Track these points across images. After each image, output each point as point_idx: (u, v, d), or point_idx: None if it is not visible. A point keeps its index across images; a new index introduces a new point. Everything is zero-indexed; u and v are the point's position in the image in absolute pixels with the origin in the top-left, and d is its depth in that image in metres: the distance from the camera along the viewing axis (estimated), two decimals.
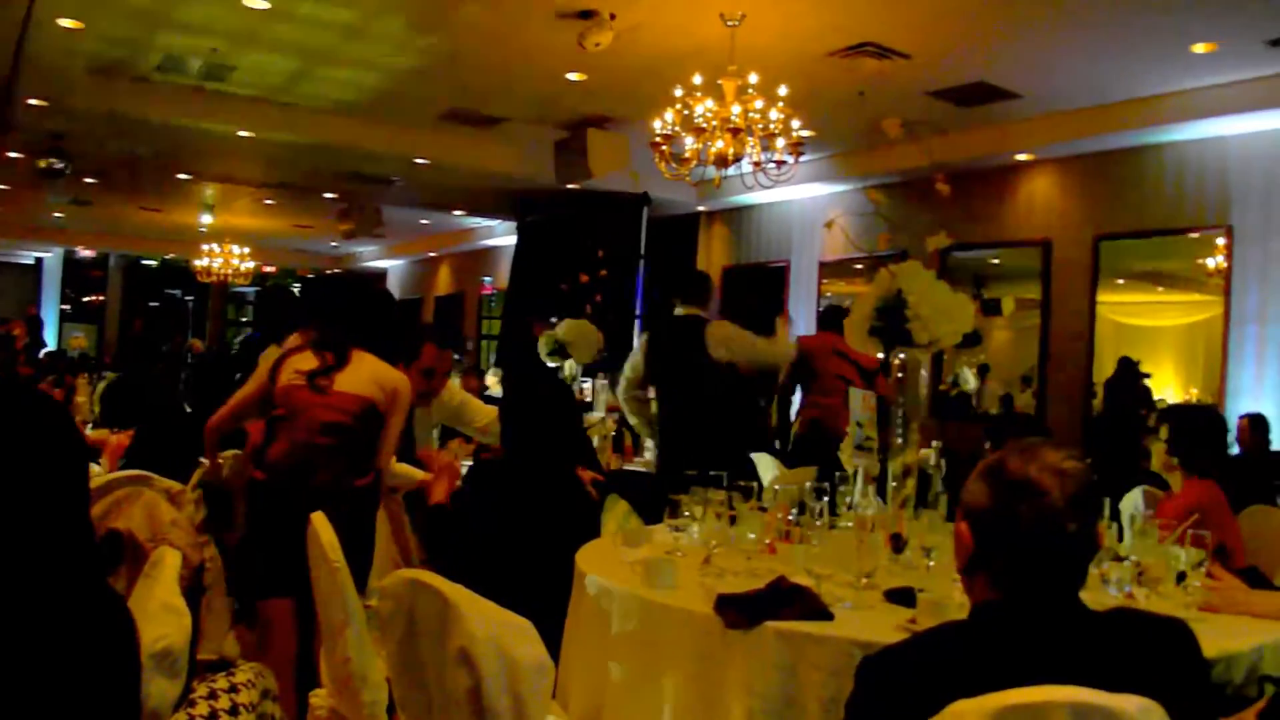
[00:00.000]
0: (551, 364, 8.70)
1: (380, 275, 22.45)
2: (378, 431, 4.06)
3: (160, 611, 2.27)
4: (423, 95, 9.44)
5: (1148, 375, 9.19)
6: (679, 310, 6.05)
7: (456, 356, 13.42)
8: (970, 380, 10.89)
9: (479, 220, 16.46)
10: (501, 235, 16.40)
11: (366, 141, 10.65)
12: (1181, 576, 2.80)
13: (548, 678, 2.34)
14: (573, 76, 8.58)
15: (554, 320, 8.89)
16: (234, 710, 2.06)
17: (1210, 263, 8.88)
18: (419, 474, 4.43)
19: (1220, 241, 8.68)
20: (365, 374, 4.05)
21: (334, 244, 20.53)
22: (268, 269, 22.44)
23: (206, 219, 16.39)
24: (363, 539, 4.04)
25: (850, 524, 3.26)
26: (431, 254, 19.92)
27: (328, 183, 13.67)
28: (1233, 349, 8.51)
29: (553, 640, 2.74)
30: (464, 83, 8.99)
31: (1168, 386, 9.36)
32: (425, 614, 2.39)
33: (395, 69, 8.64)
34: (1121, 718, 1.49)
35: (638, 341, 6.41)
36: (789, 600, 2.52)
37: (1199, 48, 7.28)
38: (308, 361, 4.04)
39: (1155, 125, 8.64)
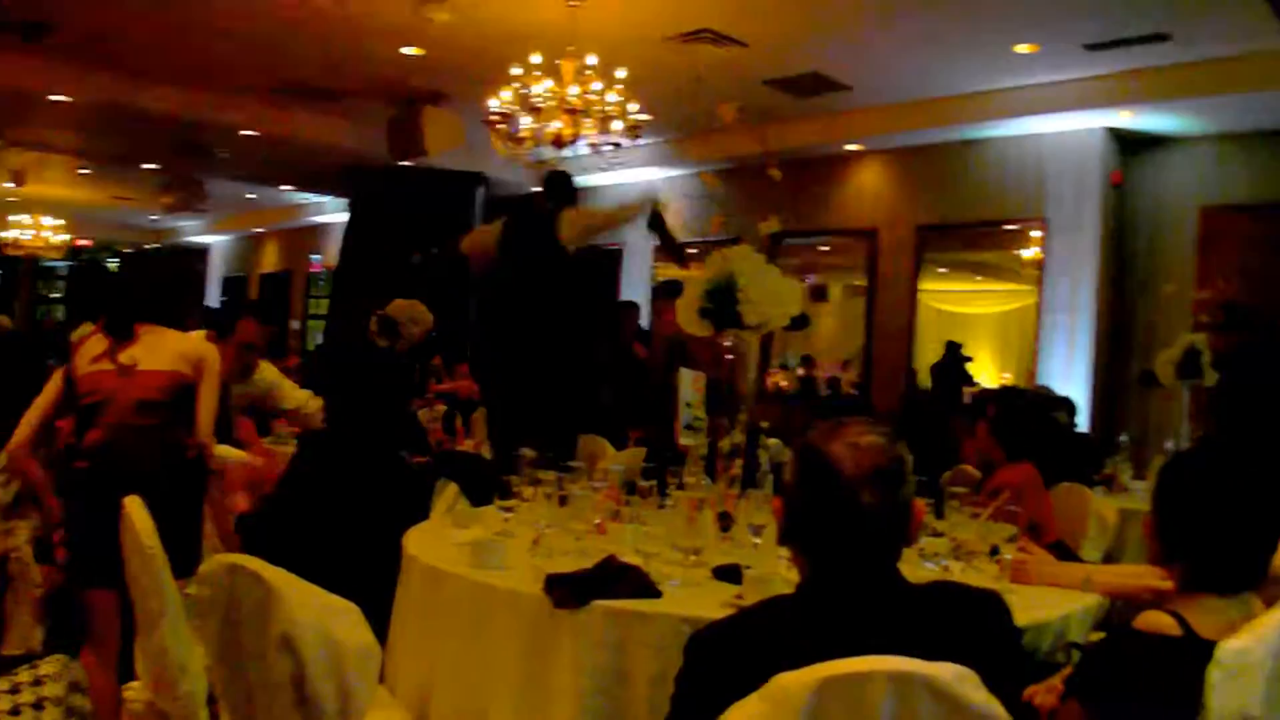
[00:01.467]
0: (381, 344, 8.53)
1: (203, 251, 21.69)
2: (193, 406, 3.94)
3: None
4: (252, 65, 9.12)
5: (970, 359, 9.56)
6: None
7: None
8: (795, 364, 11.15)
9: (308, 196, 16.05)
10: (332, 212, 16.02)
11: (192, 111, 10.25)
12: (995, 551, 2.91)
13: (374, 662, 2.30)
14: (409, 51, 8.42)
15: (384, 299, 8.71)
16: (39, 704, 1.97)
17: (1025, 254, 9.29)
18: (240, 454, 4.31)
19: (1035, 234, 9.08)
20: (167, 349, 3.94)
21: (154, 218, 19.69)
22: (82, 243, 21.42)
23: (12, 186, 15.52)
24: (190, 522, 3.92)
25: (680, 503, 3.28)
26: (258, 230, 19.31)
27: (149, 153, 13.11)
28: (1044, 336, 8.93)
29: (381, 624, 2.69)
30: (296, 53, 8.73)
31: (983, 372, 9.77)
32: (245, 599, 2.31)
33: (225, 36, 8.33)
34: (938, 685, 1.53)
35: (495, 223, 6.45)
36: (618, 579, 2.53)
37: (1021, 48, 7.59)
38: (100, 345, 3.90)
39: (978, 121, 8.98)
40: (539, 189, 6.22)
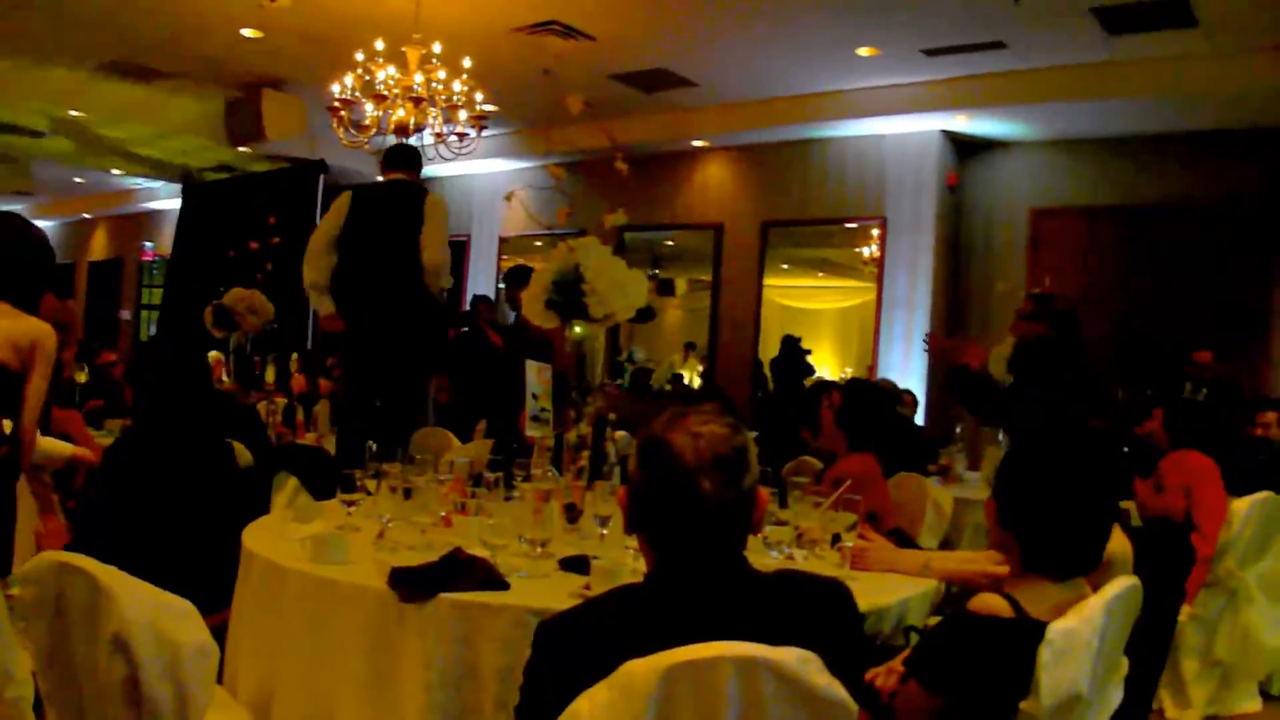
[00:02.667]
0: (217, 335, 8.28)
1: None
2: (15, 396, 3.63)
3: None
4: (80, 41, 8.72)
5: (809, 351, 9.77)
6: (388, 176, 5.70)
7: None
8: (640, 355, 11.24)
9: (140, 181, 15.45)
10: (165, 198, 15.47)
11: (12, 88, 9.75)
12: (836, 539, 2.99)
13: (211, 661, 2.23)
14: (248, 33, 8.18)
15: (221, 289, 8.46)
16: None
17: (866, 251, 9.55)
18: (67, 448, 4.11)
19: (875, 232, 9.33)
20: None
21: None
22: None
23: None
24: (4, 519, 3.67)
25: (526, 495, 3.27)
26: (86, 215, 18.51)
27: None
28: (884, 331, 9.19)
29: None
30: (127, 31, 8.37)
31: (825, 366, 10.01)
32: (74, 599, 2.21)
33: (49, 7, 7.94)
34: (782, 669, 1.56)
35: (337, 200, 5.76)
36: (464, 571, 2.51)
37: (863, 51, 7.79)
38: None
39: (821, 120, 9.18)
40: (391, 163, 5.77)
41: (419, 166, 5.84)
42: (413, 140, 6.93)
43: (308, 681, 2.59)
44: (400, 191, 5.61)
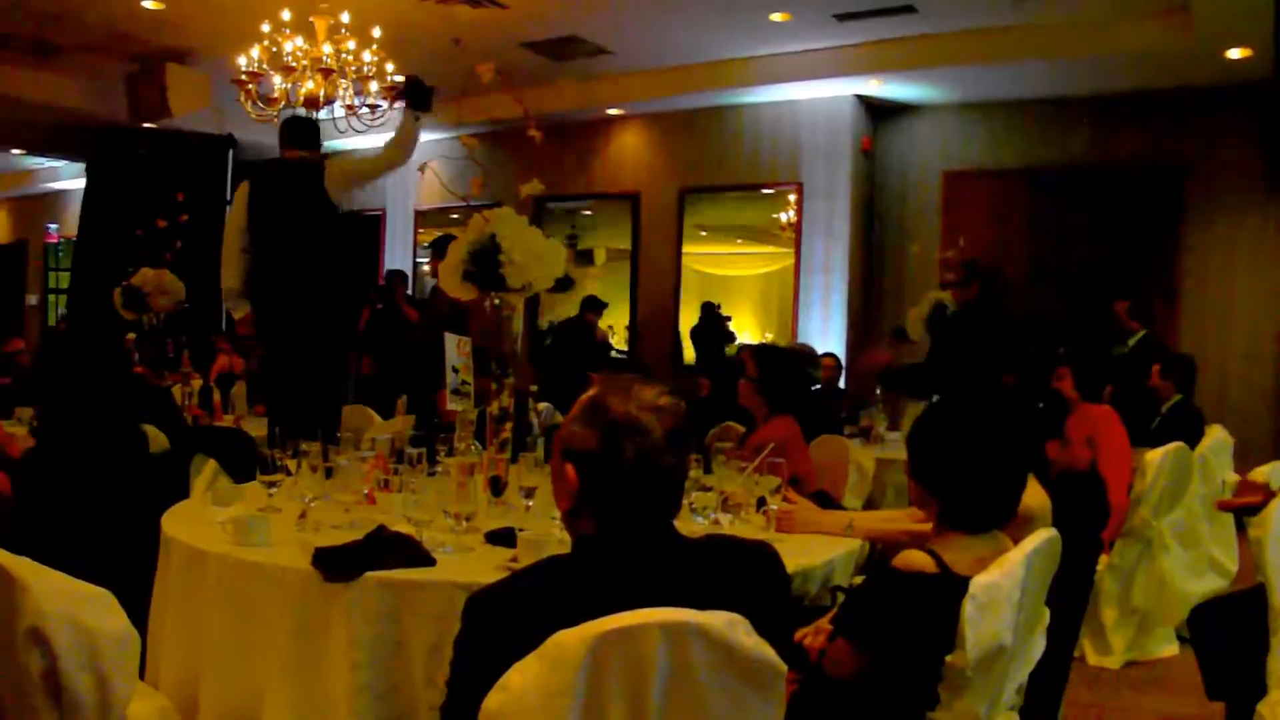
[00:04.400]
0: (128, 317, 8.08)
1: None
2: None
3: None
4: None
5: (729, 318, 9.82)
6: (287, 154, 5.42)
7: None
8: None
9: (42, 160, 15.01)
10: (69, 178, 15.05)
11: None
12: (761, 502, 3.01)
13: (132, 649, 2.18)
14: (148, 4, 7.94)
15: (130, 269, 8.25)
16: None
17: (783, 217, 9.61)
18: None
19: (791, 198, 9.39)
20: None
21: None
22: None
23: None
24: None
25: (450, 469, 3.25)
26: None
27: None
28: (802, 296, 9.26)
29: (137, 613, 2.56)
30: (20, 1, 8.09)
31: (745, 331, 10.07)
32: None
33: None
34: (710, 632, 1.57)
35: (237, 192, 5.48)
36: (389, 549, 2.49)
37: (776, 17, 7.80)
38: None
39: (735, 87, 9.19)
40: (291, 140, 5.48)
41: (319, 143, 5.57)
42: (323, 113, 6.81)
43: (233, 666, 2.56)
44: (300, 172, 5.37)
